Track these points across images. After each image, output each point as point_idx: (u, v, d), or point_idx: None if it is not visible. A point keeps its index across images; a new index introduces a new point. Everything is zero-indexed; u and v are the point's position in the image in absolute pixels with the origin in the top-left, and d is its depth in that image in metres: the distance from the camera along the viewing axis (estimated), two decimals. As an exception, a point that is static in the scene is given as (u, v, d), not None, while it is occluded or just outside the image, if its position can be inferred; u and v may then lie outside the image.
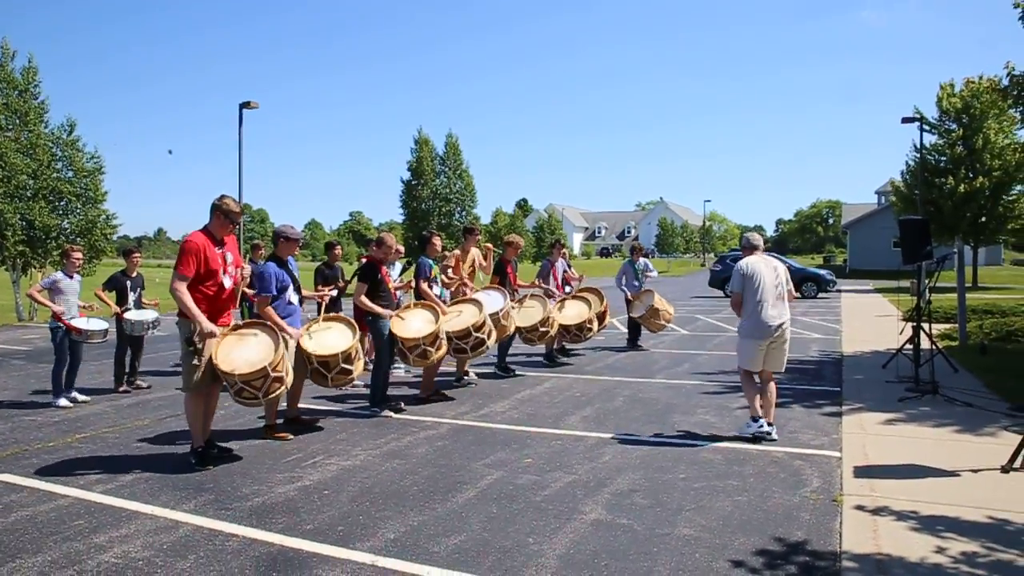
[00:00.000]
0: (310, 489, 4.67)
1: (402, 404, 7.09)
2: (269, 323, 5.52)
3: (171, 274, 5.14)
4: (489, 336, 7.61)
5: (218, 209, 5.15)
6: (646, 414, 6.85)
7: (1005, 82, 10.03)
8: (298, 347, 5.90)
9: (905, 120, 23.48)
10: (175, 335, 5.52)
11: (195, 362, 5.02)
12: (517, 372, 9.12)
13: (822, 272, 24.95)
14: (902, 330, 9.55)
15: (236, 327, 5.38)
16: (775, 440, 5.74)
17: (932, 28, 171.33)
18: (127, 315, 8.10)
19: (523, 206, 76.32)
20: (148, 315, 8.26)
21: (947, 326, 13.44)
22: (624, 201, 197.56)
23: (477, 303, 7.72)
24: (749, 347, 5.87)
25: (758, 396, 5.87)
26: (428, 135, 35.54)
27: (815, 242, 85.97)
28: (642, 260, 12.02)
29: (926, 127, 24.78)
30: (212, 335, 4.97)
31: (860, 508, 4.22)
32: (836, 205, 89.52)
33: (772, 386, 5.91)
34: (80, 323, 7.51)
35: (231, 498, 4.50)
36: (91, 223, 17.04)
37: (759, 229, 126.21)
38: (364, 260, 7.38)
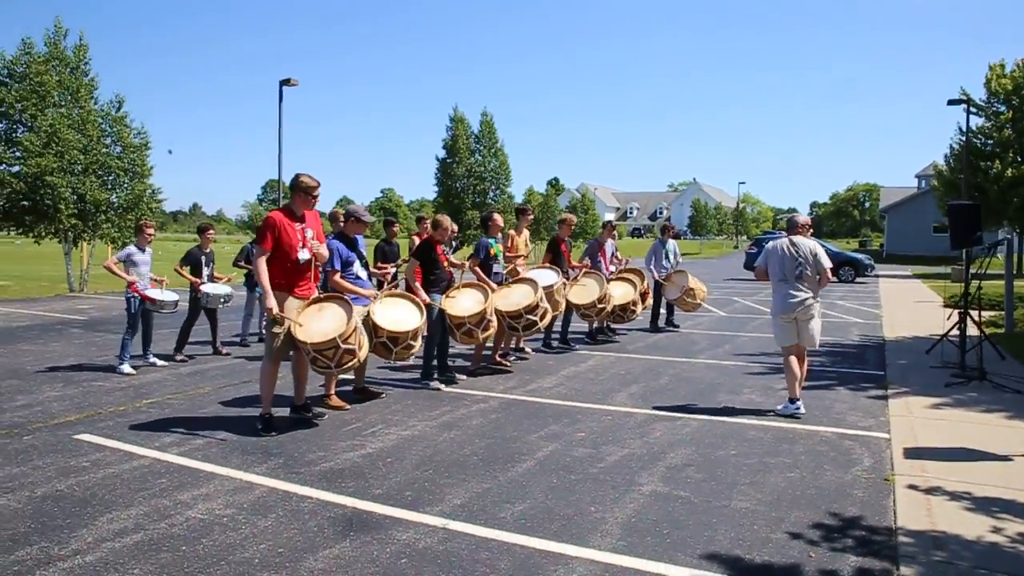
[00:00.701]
0: (374, 456, 4.87)
1: (454, 375, 7.30)
2: (345, 296, 5.73)
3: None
4: (542, 318, 7.73)
5: (297, 187, 5.43)
6: (692, 392, 6.94)
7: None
8: (367, 319, 6.11)
9: (951, 102, 22.84)
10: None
11: (276, 330, 5.30)
12: (576, 347, 9.33)
13: (860, 256, 24.58)
14: (949, 316, 9.43)
15: (317, 299, 5.62)
16: (803, 414, 5.97)
17: (978, 4, 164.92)
18: (204, 288, 8.49)
19: (555, 185, 75.86)
20: (224, 289, 8.69)
21: (993, 313, 13.18)
22: (656, 182, 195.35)
23: (532, 283, 7.84)
24: (777, 324, 6.25)
25: (799, 376, 6.09)
26: (463, 113, 35.51)
27: (851, 226, 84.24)
28: (671, 242, 11.90)
29: (973, 109, 24.10)
30: (270, 310, 5.20)
31: (913, 487, 4.29)
32: (873, 188, 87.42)
33: (803, 362, 6.18)
34: (153, 293, 7.87)
35: (299, 463, 4.73)
36: (138, 197, 17.49)
37: (793, 211, 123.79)
38: (417, 238, 7.54)
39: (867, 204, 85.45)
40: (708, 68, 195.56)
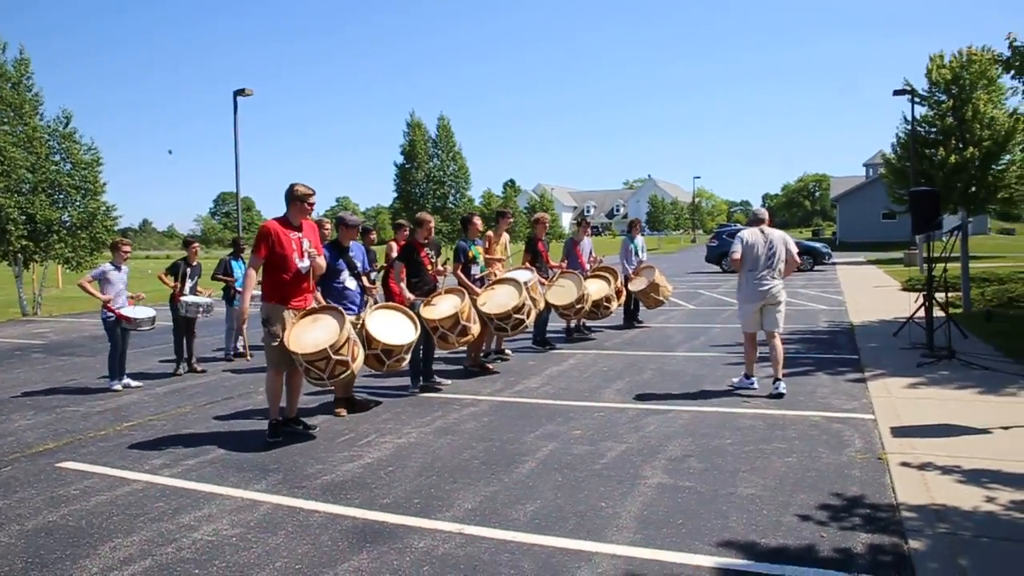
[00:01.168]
0: (373, 466, 4.82)
1: (437, 380, 7.26)
2: (339, 308, 5.66)
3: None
4: (528, 316, 7.76)
5: (292, 196, 5.40)
6: (677, 385, 7.05)
7: (1007, 53, 10.15)
8: (361, 329, 6.04)
9: (897, 92, 23.72)
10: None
11: (272, 343, 5.31)
12: (556, 346, 9.37)
13: (818, 245, 25.30)
14: (916, 299, 9.78)
15: (312, 311, 5.54)
16: (783, 395, 6.36)
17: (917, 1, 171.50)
18: (183, 297, 8.33)
19: (511, 186, 75.96)
20: (202, 299, 8.52)
21: (950, 294, 13.69)
22: (611, 180, 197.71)
23: (515, 283, 7.86)
24: (745, 310, 6.69)
25: (756, 357, 6.75)
26: (420, 118, 35.37)
27: (802, 216, 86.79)
28: (639, 238, 12.05)
29: (916, 99, 25.04)
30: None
31: (906, 465, 4.44)
32: (823, 179, 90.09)
33: (778, 343, 6.59)
34: (129, 311, 7.65)
35: (299, 477, 4.64)
36: (91, 215, 16.91)
37: (746, 204, 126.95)
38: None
39: (817, 194, 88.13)
40: (656, 63, 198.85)
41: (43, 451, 5.47)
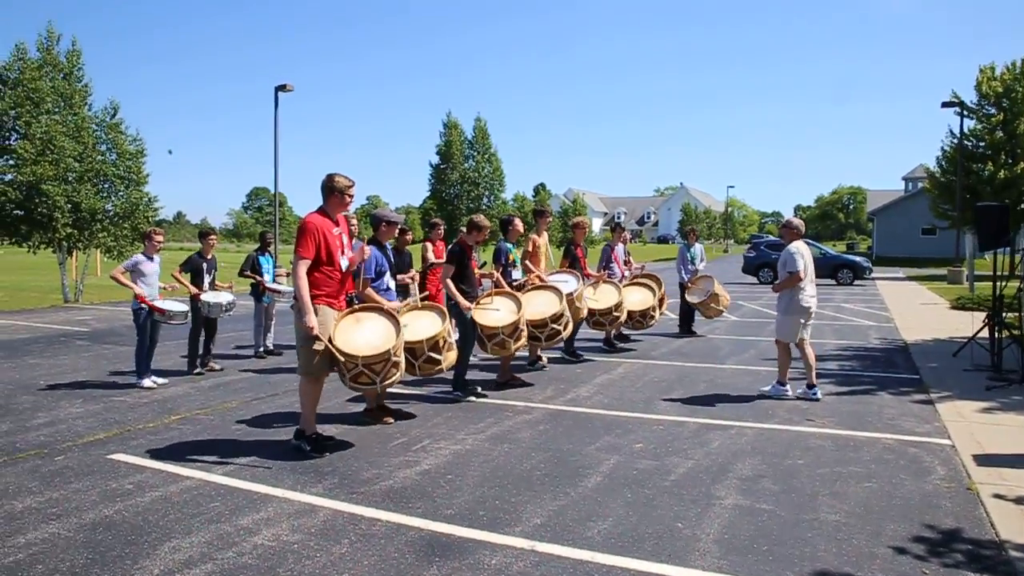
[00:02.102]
0: (432, 473, 4.66)
1: (479, 388, 7.06)
2: (385, 306, 5.49)
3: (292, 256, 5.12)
4: (565, 327, 7.52)
5: (332, 189, 5.10)
6: (734, 400, 6.79)
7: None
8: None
9: (945, 104, 23.09)
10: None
11: (316, 346, 4.98)
12: (584, 357, 9.08)
13: (858, 259, 24.69)
14: (979, 318, 9.37)
15: (353, 310, 5.36)
16: (818, 400, 6.64)
17: (962, 8, 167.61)
18: (204, 296, 8.12)
19: (541, 191, 75.72)
20: (224, 297, 8.28)
21: (1008, 315, 13.17)
22: (642, 186, 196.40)
23: (555, 290, 7.65)
24: (792, 323, 6.77)
25: (790, 365, 6.88)
26: (457, 119, 35.38)
27: (836, 229, 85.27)
28: (697, 246, 11.84)
29: (964, 112, 24.33)
30: (310, 329, 4.86)
31: (999, 497, 4.16)
32: (859, 191, 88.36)
33: (811, 350, 6.84)
34: (162, 303, 7.53)
35: (355, 482, 4.50)
36: (134, 205, 17.10)
37: (777, 215, 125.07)
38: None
39: (852, 207, 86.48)
40: (692, 72, 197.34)
41: (93, 441, 5.41)
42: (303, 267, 4.91)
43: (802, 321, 6.76)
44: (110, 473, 4.66)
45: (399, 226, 6.23)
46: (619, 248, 10.38)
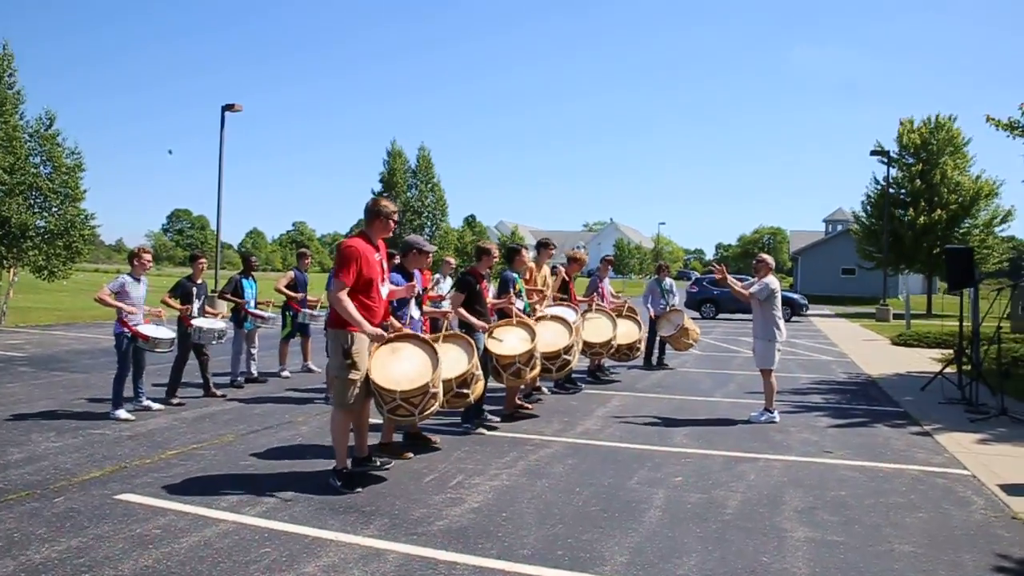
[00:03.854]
0: (484, 511, 4.42)
1: (494, 421, 6.87)
2: (422, 336, 5.25)
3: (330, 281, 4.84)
4: (574, 357, 7.47)
5: (377, 213, 4.89)
6: (745, 432, 6.85)
7: (1021, 120, 10.62)
8: None
9: (873, 153, 24.79)
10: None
11: (351, 376, 4.69)
12: (582, 386, 9.04)
13: (795, 296, 25.85)
14: (951, 355, 9.84)
15: (388, 339, 5.08)
16: (776, 423, 7.23)
17: (874, 68, 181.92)
18: (195, 322, 7.58)
19: (471, 223, 75.74)
20: (218, 324, 7.80)
21: (946, 352, 14.02)
22: (570, 221, 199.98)
23: (564, 321, 7.59)
24: (772, 349, 7.35)
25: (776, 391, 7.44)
26: (402, 147, 35.17)
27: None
28: (668, 280, 12.09)
29: (888, 161, 26.18)
30: (380, 337, 4.70)
31: (1044, 525, 4.31)
32: (778, 232, 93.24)
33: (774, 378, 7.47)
34: (147, 330, 6.95)
35: (407, 522, 4.21)
36: (69, 222, 15.94)
37: (699, 252, 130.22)
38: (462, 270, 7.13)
39: (771, 246, 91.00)
40: (618, 105, 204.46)
41: (89, 480, 4.87)
42: (343, 292, 4.65)
43: (779, 347, 7.37)
44: (126, 516, 4.19)
45: (430, 256, 6.01)
46: (605, 281, 10.47)
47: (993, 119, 10.90)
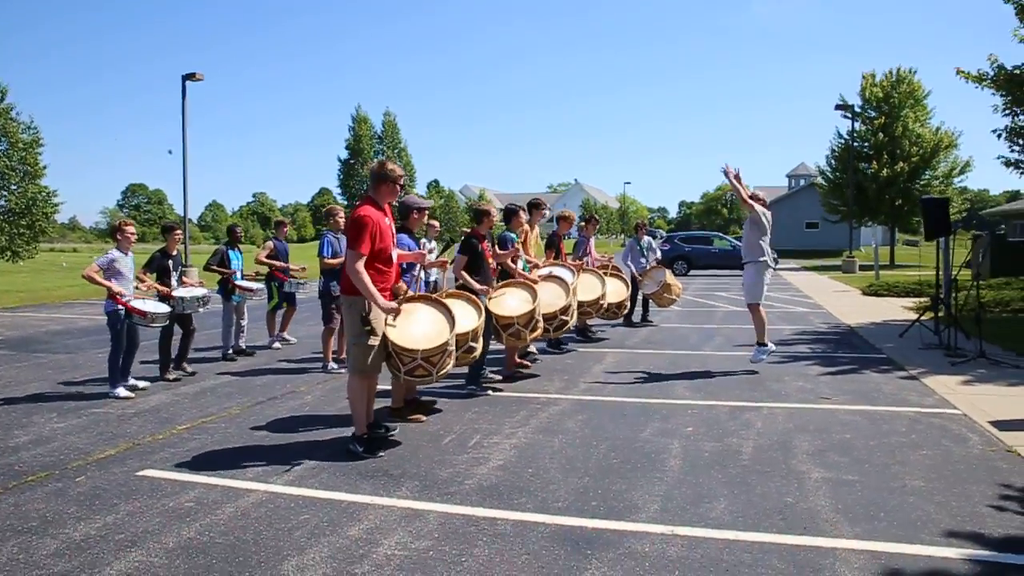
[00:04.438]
0: (509, 468, 4.51)
1: (497, 380, 6.96)
2: (432, 296, 5.26)
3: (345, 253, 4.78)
4: (572, 317, 7.56)
5: (384, 177, 4.83)
6: (742, 383, 7.06)
7: (990, 72, 10.88)
8: None
9: (838, 107, 25.16)
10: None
11: (370, 342, 4.70)
12: (572, 347, 9.15)
13: (765, 250, 26.30)
14: (932, 302, 10.13)
15: (398, 302, 5.08)
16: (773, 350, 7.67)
17: (835, 21, 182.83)
18: (176, 293, 7.40)
19: (436, 187, 75.01)
20: (199, 291, 7.62)
21: (917, 300, 14.52)
22: (535, 183, 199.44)
23: (562, 281, 7.65)
24: (760, 281, 7.55)
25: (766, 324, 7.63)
26: (367, 113, 34.43)
27: (720, 224, 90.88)
28: (646, 238, 12.25)
29: (853, 116, 26.58)
30: (396, 312, 4.69)
31: (1037, 456, 4.58)
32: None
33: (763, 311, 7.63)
34: (142, 304, 6.77)
35: (437, 482, 4.28)
36: (30, 200, 15.35)
37: (663, 211, 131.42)
38: (464, 233, 7.12)
39: (734, 202, 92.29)
40: (579, 67, 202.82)
41: (105, 458, 4.81)
42: (360, 263, 4.61)
43: (766, 280, 7.65)
44: (153, 491, 4.17)
45: (427, 212, 5.99)
46: (591, 240, 10.56)
47: (963, 71, 11.13)
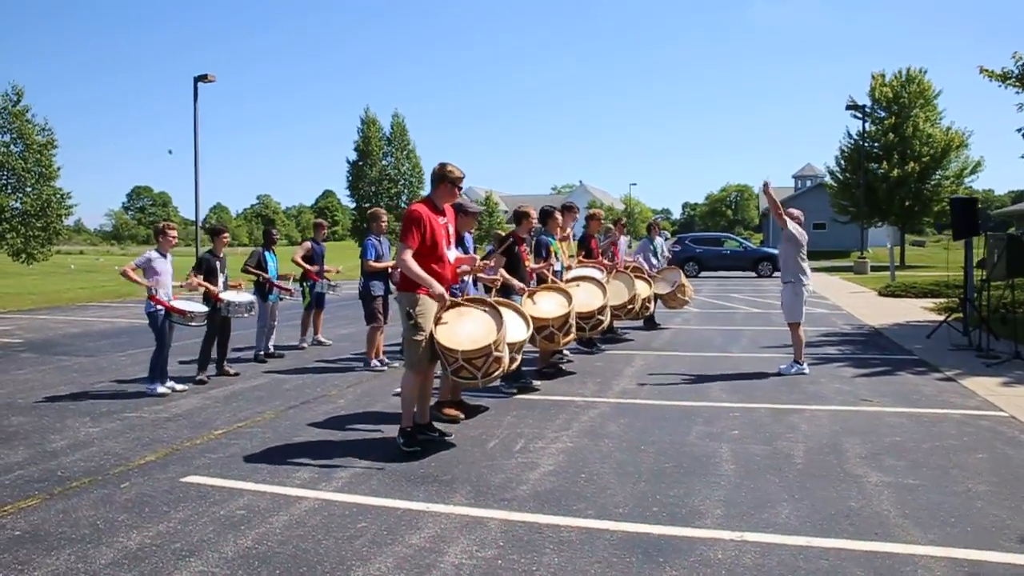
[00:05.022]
0: (562, 474, 4.44)
1: (533, 382, 6.89)
2: (491, 300, 5.21)
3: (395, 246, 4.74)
4: (607, 316, 7.53)
5: (443, 177, 4.88)
6: (776, 385, 6.98)
7: (1015, 70, 10.80)
8: None
9: (849, 108, 25.04)
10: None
11: (416, 337, 4.71)
12: (602, 348, 9.11)
13: (776, 252, 26.17)
14: (961, 302, 10.04)
15: (456, 303, 5.04)
16: (807, 374, 7.37)
17: (840, 22, 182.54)
18: (224, 296, 7.42)
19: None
20: (246, 297, 7.65)
21: (937, 301, 14.43)
22: (539, 185, 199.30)
23: (597, 282, 7.61)
24: (801, 301, 7.46)
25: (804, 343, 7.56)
26: (375, 115, 34.37)
27: (724, 225, 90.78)
28: (659, 240, 12.20)
29: (863, 116, 26.49)
30: (444, 299, 4.69)
31: (1097, 459, 4.49)
32: (745, 189, 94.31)
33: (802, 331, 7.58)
34: (181, 304, 6.78)
35: (491, 488, 4.20)
36: (45, 202, 15.33)
37: (666, 211, 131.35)
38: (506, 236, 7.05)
39: (738, 203, 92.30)
40: (584, 69, 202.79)
41: (146, 464, 4.75)
42: (407, 254, 4.68)
43: (806, 298, 7.54)
44: (201, 499, 4.09)
45: (478, 216, 5.93)
46: (621, 241, 10.53)
47: (987, 70, 11.05)
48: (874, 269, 25.30)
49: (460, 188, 5.00)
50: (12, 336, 11.45)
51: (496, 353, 4.91)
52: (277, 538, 3.53)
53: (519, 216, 6.86)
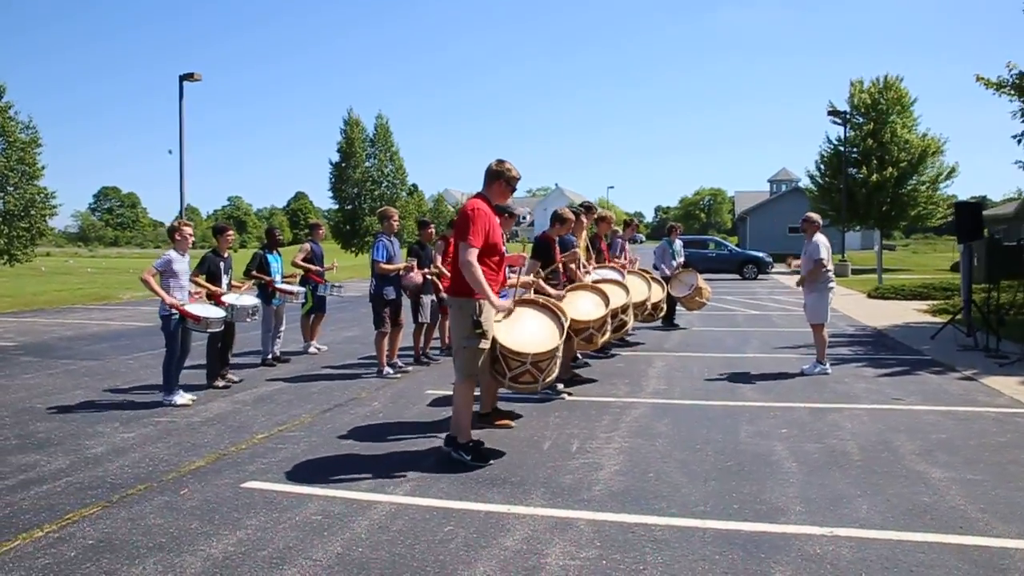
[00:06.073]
0: (629, 473, 4.44)
1: (564, 388, 6.86)
2: (541, 300, 5.16)
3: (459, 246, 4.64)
4: (631, 317, 7.54)
5: (500, 176, 4.73)
6: (805, 385, 7.07)
7: (1009, 78, 11.13)
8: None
9: (830, 113, 25.56)
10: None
11: (482, 345, 4.56)
12: (615, 352, 9.11)
13: (761, 255, 26.62)
14: (963, 304, 10.26)
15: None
16: (829, 374, 7.49)
17: (814, 27, 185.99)
18: (226, 299, 7.16)
19: (413, 192, 74.01)
20: (250, 300, 7.39)
21: (929, 303, 14.77)
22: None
23: (620, 284, 7.62)
24: (825, 305, 7.61)
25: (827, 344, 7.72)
26: (359, 116, 34.04)
27: (698, 228, 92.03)
28: (678, 242, 12.31)
29: (843, 121, 27.04)
30: (509, 311, 4.58)
31: None
32: (719, 193, 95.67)
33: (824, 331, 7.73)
34: (195, 309, 6.51)
35: (565, 489, 4.18)
36: (29, 202, 14.86)
37: (639, 215, 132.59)
38: (537, 237, 7.02)
39: (711, 207, 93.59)
40: (558, 72, 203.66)
41: (197, 469, 4.62)
42: (473, 255, 4.45)
43: (830, 300, 7.63)
44: (271, 505, 4.00)
45: (516, 219, 5.89)
46: (628, 243, 10.58)
47: (983, 78, 11.36)
48: (856, 272, 25.85)
49: (514, 189, 4.89)
50: (4, 339, 11.05)
51: (558, 355, 4.89)
52: (367, 543, 3.46)
53: (555, 218, 6.84)
